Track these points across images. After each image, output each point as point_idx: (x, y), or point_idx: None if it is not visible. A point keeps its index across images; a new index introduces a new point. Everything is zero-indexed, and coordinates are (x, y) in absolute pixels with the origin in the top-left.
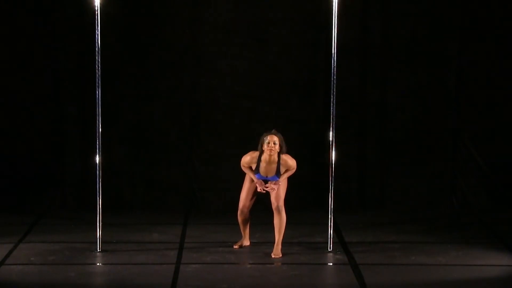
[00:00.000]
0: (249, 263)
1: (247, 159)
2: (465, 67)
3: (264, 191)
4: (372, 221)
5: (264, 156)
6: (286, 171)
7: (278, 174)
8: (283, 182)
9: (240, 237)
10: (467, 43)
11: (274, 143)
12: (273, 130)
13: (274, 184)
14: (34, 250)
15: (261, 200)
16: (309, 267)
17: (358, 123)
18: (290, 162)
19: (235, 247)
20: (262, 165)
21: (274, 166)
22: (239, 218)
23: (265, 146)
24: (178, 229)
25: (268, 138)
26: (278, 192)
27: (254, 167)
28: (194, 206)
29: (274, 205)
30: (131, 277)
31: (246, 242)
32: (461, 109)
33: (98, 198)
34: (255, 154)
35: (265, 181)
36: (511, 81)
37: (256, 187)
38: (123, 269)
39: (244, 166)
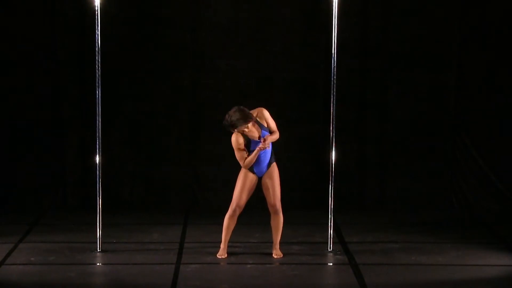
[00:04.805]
0: (249, 263)
1: (239, 142)
2: (465, 67)
3: (266, 146)
4: (372, 221)
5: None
6: (270, 129)
7: (263, 128)
8: (276, 181)
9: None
10: (467, 43)
11: (245, 129)
12: (233, 115)
13: (266, 138)
14: (34, 250)
15: (261, 200)
16: (309, 267)
17: (358, 123)
18: (262, 112)
19: (219, 257)
20: (249, 134)
21: (256, 127)
22: (228, 221)
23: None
24: (178, 229)
25: (237, 129)
26: (275, 193)
27: (245, 142)
28: (194, 206)
29: (273, 208)
30: (131, 277)
31: (225, 254)
32: (461, 109)
33: (98, 198)
34: (238, 135)
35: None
36: (511, 81)
37: (253, 185)
38: (123, 269)
39: (243, 161)
